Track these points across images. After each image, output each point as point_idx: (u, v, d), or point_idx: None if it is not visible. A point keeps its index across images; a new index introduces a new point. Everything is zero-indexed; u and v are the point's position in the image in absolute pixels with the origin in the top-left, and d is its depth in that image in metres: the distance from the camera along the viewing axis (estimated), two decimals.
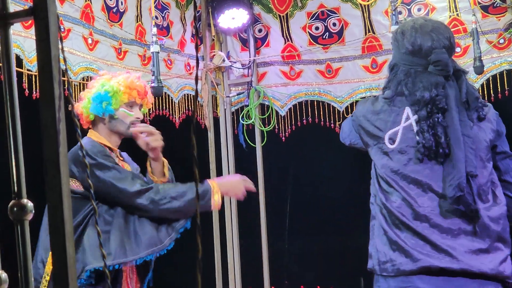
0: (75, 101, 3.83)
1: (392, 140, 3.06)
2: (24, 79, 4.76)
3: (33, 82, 4.81)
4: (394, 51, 3.21)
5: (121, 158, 3.86)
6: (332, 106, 6.65)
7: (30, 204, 1.39)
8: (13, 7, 1.39)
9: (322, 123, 6.62)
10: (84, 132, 3.84)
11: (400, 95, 3.10)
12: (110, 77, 3.82)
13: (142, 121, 3.89)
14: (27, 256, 1.36)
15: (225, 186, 3.78)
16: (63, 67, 1.53)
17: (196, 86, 1.28)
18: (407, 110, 3.07)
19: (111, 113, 3.75)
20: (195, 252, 1.38)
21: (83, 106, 3.78)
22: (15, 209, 1.37)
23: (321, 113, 6.65)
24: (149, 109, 5.97)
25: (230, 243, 6.80)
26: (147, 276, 3.81)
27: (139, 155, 3.90)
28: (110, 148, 3.78)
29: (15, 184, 1.39)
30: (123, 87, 3.75)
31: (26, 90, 4.75)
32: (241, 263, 6.84)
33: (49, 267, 3.54)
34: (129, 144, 3.92)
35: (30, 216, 1.39)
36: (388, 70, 3.24)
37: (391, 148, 3.05)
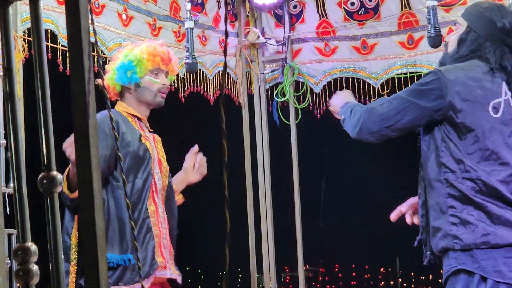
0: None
1: (496, 109, 3.09)
2: (58, 55, 4.78)
3: (68, 58, 4.82)
4: (479, 24, 3.23)
5: (151, 130, 3.88)
6: (367, 82, 6.60)
7: (59, 176, 1.39)
8: None
9: (357, 100, 6.55)
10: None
11: (501, 69, 3.13)
12: (133, 47, 3.83)
13: (172, 92, 3.91)
14: (57, 228, 1.36)
15: None
16: (94, 40, 1.52)
17: (225, 57, 1.26)
18: (504, 85, 3.14)
19: (137, 82, 3.75)
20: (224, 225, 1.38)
21: (109, 77, 3.79)
22: (44, 181, 1.37)
23: (356, 89, 6.59)
24: (184, 86, 5.98)
25: (264, 221, 6.79)
26: None
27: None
28: (138, 118, 3.80)
29: (45, 157, 1.39)
30: (146, 54, 3.76)
31: (61, 66, 4.77)
32: (275, 242, 6.83)
33: (75, 239, 3.55)
34: None
35: (59, 189, 1.38)
36: (468, 40, 3.24)
37: (494, 118, 3.07)
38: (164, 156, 3.87)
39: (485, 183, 3.01)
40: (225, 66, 1.18)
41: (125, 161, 3.62)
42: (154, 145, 3.82)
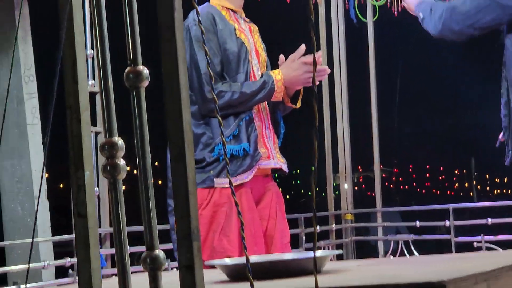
0: None
1: None
2: None
3: None
4: None
5: (247, 20, 3.83)
6: None
7: (146, 71, 1.37)
8: None
9: None
10: None
11: None
12: None
13: None
14: (143, 123, 1.35)
15: (289, 79, 3.61)
16: None
17: None
18: None
19: None
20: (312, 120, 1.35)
21: None
22: (131, 75, 1.36)
23: None
24: None
25: (340, 121, 6.76)
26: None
27: None
28: (233, 10, 3.75)
29: (131, 51, 1.37)
30: None
31: None
32: (351, 140, 6.81)
33: None
34: None
35: (145, 83, 1.37)
36: None
37: None
38: (262, 46, 3.83)
39: None
40: None
41: (225, 58, 3.62)
42: (251, 35, 3.79)
